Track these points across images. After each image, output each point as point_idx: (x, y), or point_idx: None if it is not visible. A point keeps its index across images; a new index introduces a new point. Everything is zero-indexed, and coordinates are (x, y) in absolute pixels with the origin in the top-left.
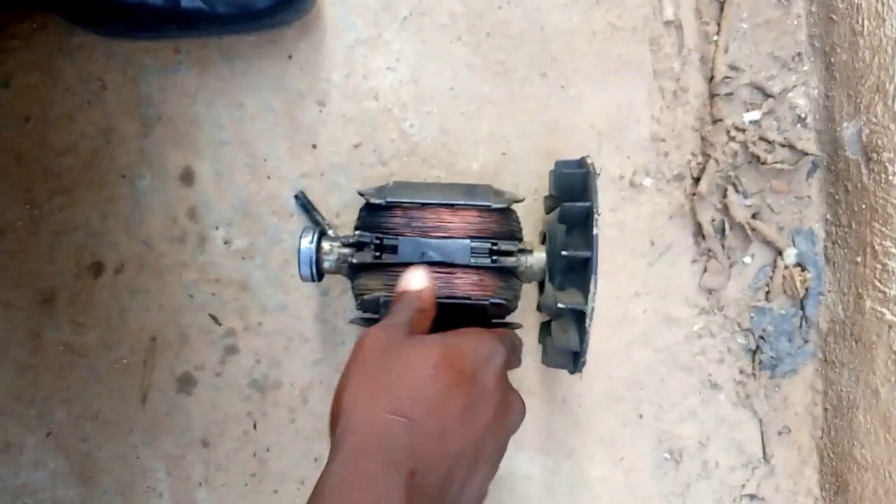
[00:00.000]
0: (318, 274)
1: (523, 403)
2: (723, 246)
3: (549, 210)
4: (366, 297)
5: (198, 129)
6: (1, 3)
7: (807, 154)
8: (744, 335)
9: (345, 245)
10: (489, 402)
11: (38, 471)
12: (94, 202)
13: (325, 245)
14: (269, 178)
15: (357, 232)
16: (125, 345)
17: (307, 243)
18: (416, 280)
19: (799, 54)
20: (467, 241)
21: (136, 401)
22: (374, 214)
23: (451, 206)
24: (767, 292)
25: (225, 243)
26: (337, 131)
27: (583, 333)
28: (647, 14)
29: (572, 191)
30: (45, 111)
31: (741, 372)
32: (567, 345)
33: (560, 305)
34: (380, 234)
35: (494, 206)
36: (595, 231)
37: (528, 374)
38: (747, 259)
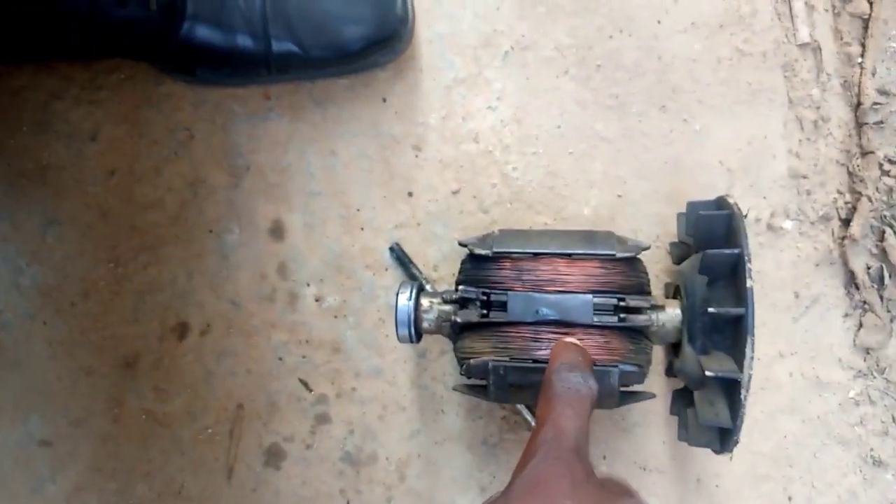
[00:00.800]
0: (417, 334)
1: None
2: (881, 297)
3: (678, 259)
4: (472, 361)
5: (289, 180)
6: (91, 51)
7: None
8: None
9: (446, 301)
10: None
11: None
12: (180, 259)
13: (425, 302)
14: (362, 229)
15: (460, 287)
16: (211, 413)
17: (405, 300)
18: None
19: None
20: (589, 296)
21: (221, 475)
22: (479, 267)
23: (569, 255)
24: None
25: (316, 301)
26: (434, 177)
27: (736, 407)
28: (779, 37)
29: (712, 236)
30: (132, 164)
31: None
32: (716, 420)
33: (708, 373)
34: (486, 289)
35: (619, 254)
36: (749, 283)
37: (656, 449)
38: None
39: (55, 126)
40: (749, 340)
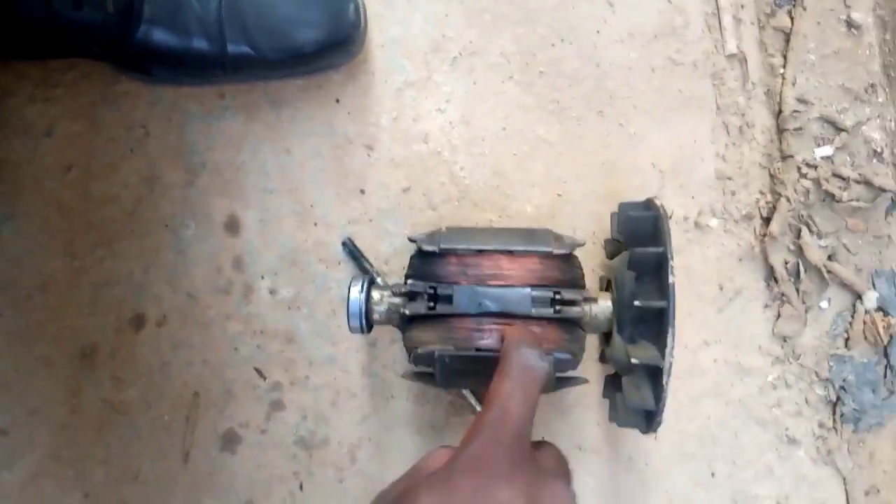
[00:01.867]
0: (368, 325)
1: None
2: (797, 290)
3: (611, 255)
4: (419, 350)
5: (244, 177)
6: (46, 52)
7: (885, 191)
8: (823, 386)
9: (396, 294)
10: None
11: None
12: (136, 253)
13: (375, 294)
14: (316, 224)
15: (409, 281)
16: (167, 401)
17: (357, 293)
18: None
19: (872, 85)
20: (528, 289)
21: (177, 460)
22: (426, 262)
23: (510, 252)
24: (847, 339)
25: (271, 293)
26: (386, 176)
27: (659, 391)
28: (709, 48)
29: (640, 235)
30: (88, 161)
31: (821, 426)
32: (641, 403)
33: (634, 361)
34: (433, 283)
35: (556, 251)
36: (671, 279)
37: (590, 431)
38: (824, 304)
39: (10, 122)
40: (670, 331)
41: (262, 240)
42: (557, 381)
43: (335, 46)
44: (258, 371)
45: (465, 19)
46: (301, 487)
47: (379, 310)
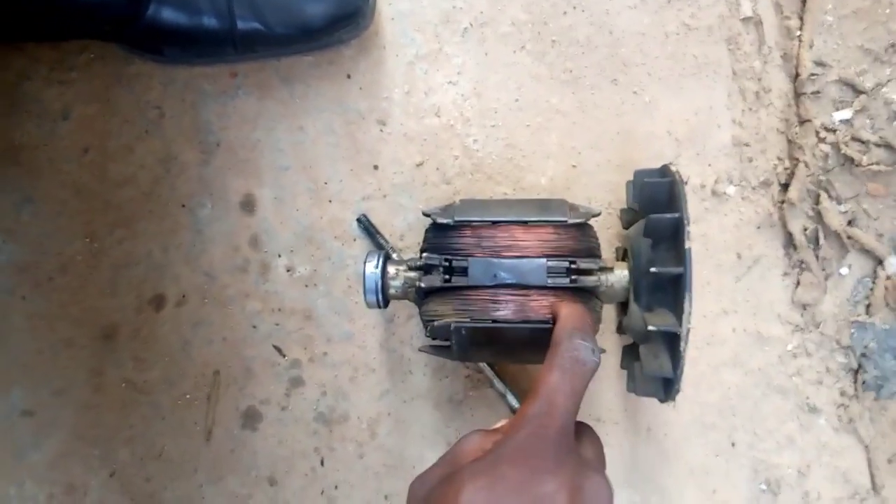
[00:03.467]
0: (385, 300)
1: None
2: (817, 257)
3: (627, 224)
4: (436, 323)
5: (258, 155)
6: (58, 33)
7: None
8: (844, 353)
9: (411, 269)
10: None
11: None
12: (154, 234)
13: (391, 269)
14: (330, 202)
15: (424, 254)
16: (188, 380)
17: (372, 268)
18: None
19: (893, 45)
20: (543, 260)
21: (200, 438)
22: (441, 235)
23: (524, 223)
24: (868, 305)
25: (288, 271)
26: (399, 151)
27: (677, 358)
28: (723, 11)
29: (656, 202)
30: (104, 142)
31: (842, 394)
32: (659, 371)
33: (650, 328)
34: (448, 255)
35: (571, 221)
36: (687, 244)
37: (609, 401)
38: (844, 270)
39: (26, 106)
40: (687, 297)
41: (278, 218)
42: None
43: (344, 20)
44: (277, 348)
45: None
46: (322, 463)
47: (395, 285)
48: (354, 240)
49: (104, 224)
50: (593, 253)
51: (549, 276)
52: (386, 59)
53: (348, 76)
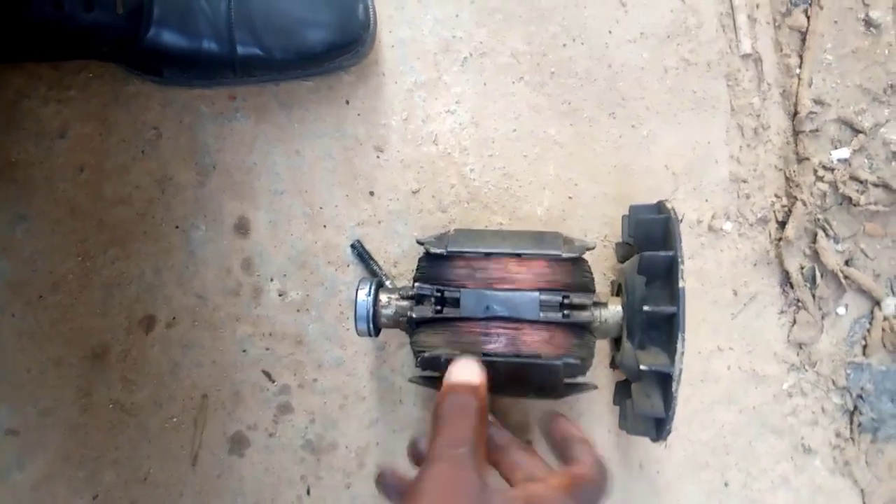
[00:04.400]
0: (376, 329)
1: None
2: (813, 296)
3: (622, 258)
4: (426, 354)
5: (254, 178)
6: (58, 53)
7: None
8: (840, 394)
9: (403, 297)
10: None
11: None
12: (147, 254)
13: (383, 298)
14: (325, 227)
15: (416, 284)
16: (176, 403)
17: (364, 296)
18: (465, 372)
19: (891, 86)
20: (536, 293)
21: (186, 462)
22: (434, 265)
23: (518, 255)
24: (865, 346)
25: (280, 295)
26: (395, 177)
27: (669, 399)
28: (723, 48)
29: (651, 238)
30: (101, 161)
31: (838, 435)
32: (650, 411)
33: (643, 367)
34: (441, 286)
35: (565, 255)
36: (681, 284)
37: (601, 438)
38: (841, 310)
39: (24, 124)
40: (680, 337)
41: (272, 241)
42: (566, 386)
43: (344, 47)
44: (266, 373)
45: (476, 19)
46: (308, 492)
47: (386, 313)
48: (348, 265)
49: (97, 243)
50: (587, 287)
51: (541, 311)
52: (385, 86)
53: (347, 102)
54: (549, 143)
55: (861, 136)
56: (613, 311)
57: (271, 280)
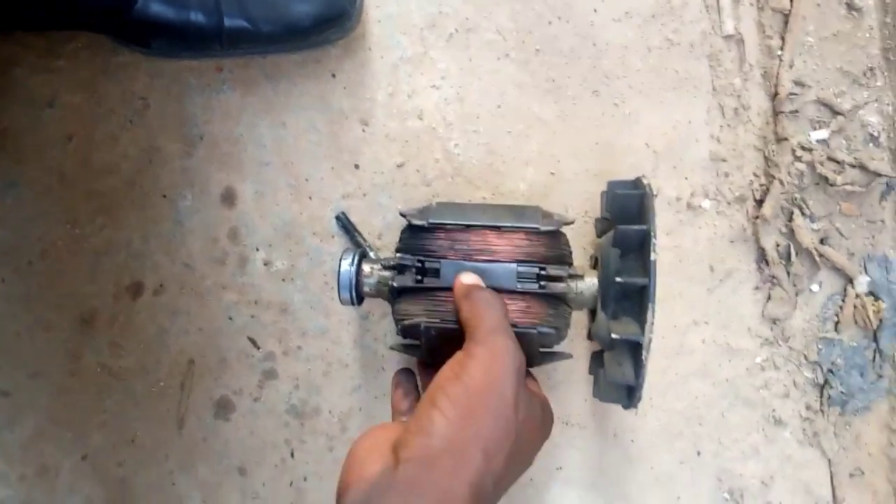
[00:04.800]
0: (359, 298)
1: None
2: (788, 273)
3: (601, 233)
4: (406, 322)
5: (241, 150)
6: (47, 24)
7: (880, 175)
8: (811, 368)
9: (385, 268)
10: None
11: (72, 495)
12: (135, 222)
13: (366, 268)
14: (310, 198)
15: (398, 255)
16: (163, 368)
17: (347, 266)
18: (473, 277)
19: (871, 69)
20: (513, 265)
21: (172, 425)
22: (416, 236)
23: (498, 228)
24: (837, 323)
25: (265, 265)
26: (380, 151)
27: (639, 367)
28: (706, 28)
29: (627, 213)
30: (89, 131)
31: (808, 408)
32: (622, 379)
33: (614, 336)
34: (422, 256)
35: (543, 228)
36: (653, 256)
37: (578, 406)
38: (815, 287)
39: (14, 92)
40: (650, 308)
41: (258, 212)
42: (542, 355)
43: (331, 21)
44: (252, 340)
45: None
46: (292, 455)
47: (369, 283)
48: (333, 237)
49: (86, 211)
50: (564, 260)
51: (518, 282)
52: (371, 60)
53: (333, 76)
54: (533, 120)
55: (840, 117)
56: (589, 283)
57: (257, 250)
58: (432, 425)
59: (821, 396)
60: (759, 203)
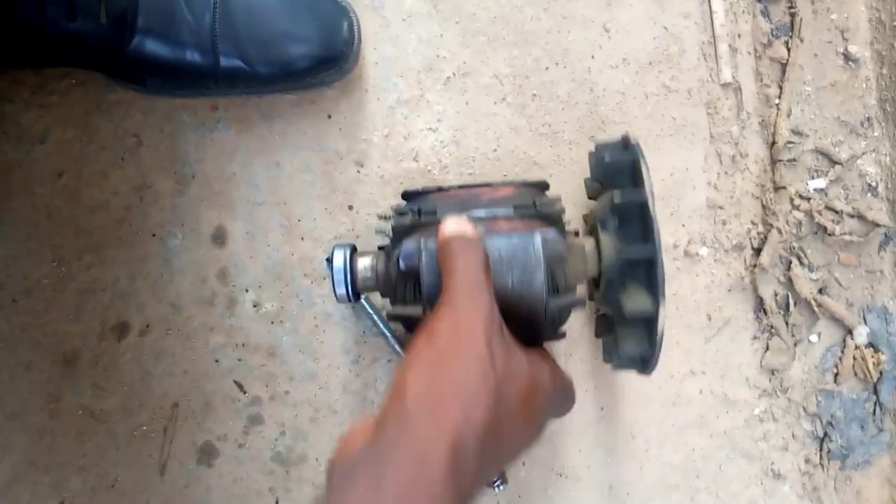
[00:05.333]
0: (355, 293)
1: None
2: (787, 322)
3: (593, 194)
4: (406, 244)
5: (233, 189)
6: (41, 60)
7: (878, 225)
8: (810, 420)
9: (380, 248)
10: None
11: None
12: (123, 261)
13: (359, 260)
14: (302, 239)
15: (393, 208)
16: (146, 411)
17: (340, 260)
18: (457, 226)
19: (868, 119)
20: (510, 205)
21: (154, 471)
22: (412, 200)
23: (489, 184)
24: (836, 374)
25: (254, 306)
26: (375, 192)
27: (653, 340)
28: (703, 76)
29: (620, 177)
30: (80, 167)
31: (807, 461)
32: (638, 351)
33: (628, 312)
34: (419, 207)
35: (531, 181)
36: (656, 230)
37: (573, 458)
38: (813, 337)
39: (4, 127)
40: (655, 226)
41: (249, 252)
42: (552, 297)
43: (328, 63)
44: (238, 384)
45: (460, 40)
46: (277, 503)
47: (364, 275)
48: (324, 278)
49: (73, 249)
50: (558, 215)
51: (515, 210)
52: (367, 102)
53: (329, 116)
54: (529, 164)
55: (838, 167)
56: (588, 242)
57: (246, 291)
58: (405, 387)
59: (820, 450)
60: (757, 251)
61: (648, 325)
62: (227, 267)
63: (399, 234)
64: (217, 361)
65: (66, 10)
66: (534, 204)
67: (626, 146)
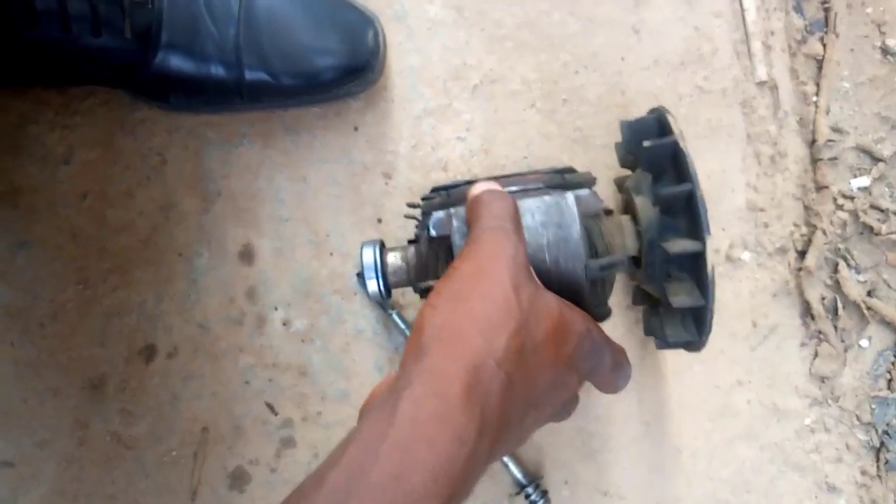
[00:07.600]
0: (387, 288)
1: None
2: (835, 327)
3: (624, 161)
4: (436, 213)
5: (259, 205)
6: (64, 80)
7: None
8: (864, 430)
9: (410, 242)
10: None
11: None
12: (149, 282)
13: (389, 255)
14: (331, 254)
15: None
16: (175, 436)
17: (370, 256)
18: (488, 185)
19: None
20: (540, 182)
21: (185, 498)
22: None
23: (520, 174)
24: (890, 380)
25: (284, 325)
26: (403, 205)
27: (702, 327)
28: (738, 75)
29: (660, 164)
30: (104, 188)
31: (864, 473)
32: (687, 299)
33: (675, 304)
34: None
35: (560, 167)
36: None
37: (618, 475)
38: (864, 342)
39: (29, 149)
40: (701, 211)
41: (277, 270)
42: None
43: (353, 74)
44: (269, 406)
45: (486, 46)
46: None
47: (394, 268)
48: (355, 294)
49: (99, 271)
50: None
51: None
52: (394, 112)
53: (355, 128)
54: None
55: (881, 164)
56: (625, 219)
57: (275, 309)
58: (423, 321)
59: (877, 461)
60: (802, 254)
61: (697, 315)
62: (255, 285)
63: (429, 215)
64: (247, 383)
65: (91, 26)
66: (563, 177)
67: (662, 125)
